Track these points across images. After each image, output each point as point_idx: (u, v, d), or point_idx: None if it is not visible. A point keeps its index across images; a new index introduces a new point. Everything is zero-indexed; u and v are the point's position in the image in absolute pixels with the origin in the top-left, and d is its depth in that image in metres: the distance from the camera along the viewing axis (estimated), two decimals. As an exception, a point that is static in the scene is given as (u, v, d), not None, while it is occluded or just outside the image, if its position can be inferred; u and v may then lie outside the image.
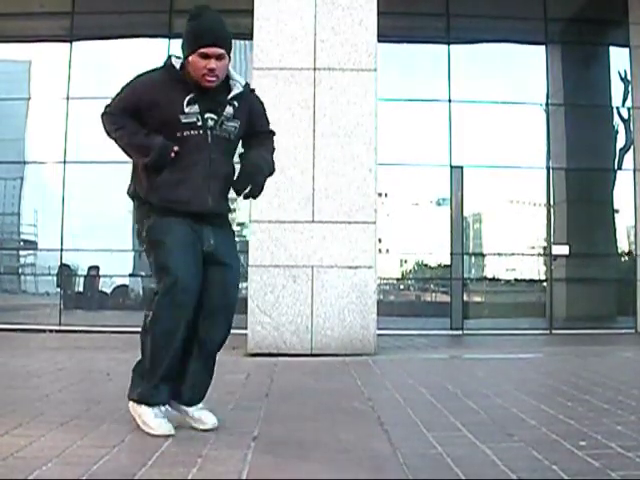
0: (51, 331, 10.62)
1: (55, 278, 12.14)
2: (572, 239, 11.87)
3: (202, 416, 3.74)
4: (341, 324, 7.50)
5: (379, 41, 8.04)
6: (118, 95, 3.84)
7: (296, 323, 7.47)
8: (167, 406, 3.76)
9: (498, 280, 12.72)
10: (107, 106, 3.87)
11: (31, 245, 13.05)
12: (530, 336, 10.68)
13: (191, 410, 3.76)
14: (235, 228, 13.64)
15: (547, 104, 11.95)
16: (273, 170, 3.90)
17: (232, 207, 3.93)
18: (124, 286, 12.87)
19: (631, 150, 11.82)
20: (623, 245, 12.58)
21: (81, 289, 12.54)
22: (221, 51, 3.66)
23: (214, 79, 3.66)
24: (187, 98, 3.66)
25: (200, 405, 3.79)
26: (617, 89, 12.31)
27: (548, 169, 11.97)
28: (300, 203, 7.58)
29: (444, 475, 2.87)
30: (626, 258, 12.55)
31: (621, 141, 12.28)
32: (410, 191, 12.16)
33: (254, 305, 7.59)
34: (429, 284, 12.73)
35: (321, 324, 7.42)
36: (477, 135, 11.56)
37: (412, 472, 2.91)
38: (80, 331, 10.44)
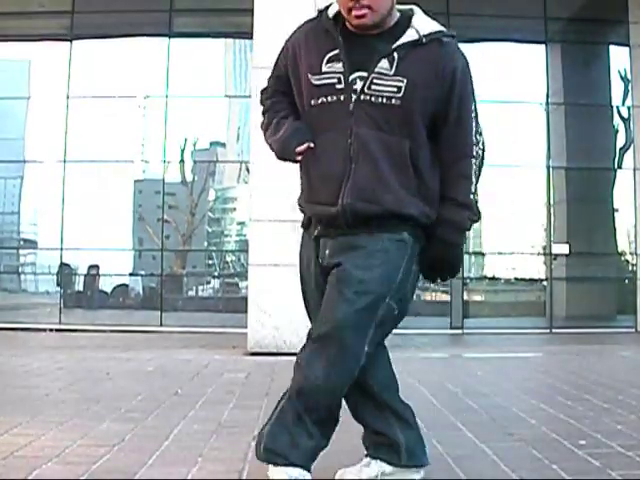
0: (51, 330, 10.62)
1: (55, 277, 12.15)
2: (572, 238, 11.87)
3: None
4: (341, 323, 7.48)
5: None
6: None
7: (296, 322, 7.44)
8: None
9: (498, 279, 12.73)
10: (268, 78, 2.90)
11: (31, 244, 13.07)
12: (530, 335, 10.68)
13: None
14: (235, 227, 13.68)
15: (547, 103, 11.95)
16: (475, 218, 2.66)
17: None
18: (124, 285, 12.89)
19: (631, 149, 11.82)
20: (623, 244, 12.59)
21: (81, 288, 12.55)
22: None
23: (364, 12, 2.53)
24: (329, 54, 2.61)
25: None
26: (617, 88, 12.31)
27: (548, 168, 11.97)
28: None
29: (444, 474, 2.87)
30: (626, 257, 12.56)
31: (621, 140, 12.29)
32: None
33: (254, 304, 7.58)
34: (429, 283, 12.72)
35: (321, 323, 7.41)
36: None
37: (412, 471, 2.91)
38: (80, 330, 10.43)
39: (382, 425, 2.82)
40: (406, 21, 2.63)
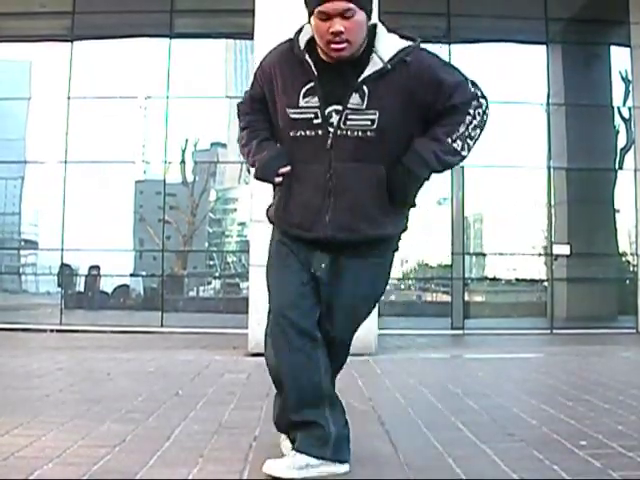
0: (52, 331, 10.62)
1: (56, 278, 12.15)
2: (573, 239, 11.87)
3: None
4: (342, 324, 7.47)
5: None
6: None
7: (297, 323, 7.44)
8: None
9: (499, 280, 12.73)
10: (245, 92, 3.01)
11: (32, 245, 13.07)
12: (531, 336, 10.67)
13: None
14: (236, 228, 13.68)
15: (548, 104, 11.95)
16: (447, 160, 2.74)
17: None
18: (125, 286, 12.89)
19: (632, 150, 11.81)
20: (624, 245, 12.58)
21: (82, 289, 12.55)
22: (345, 5, 2.55)
23: (343, 46, 2.59)
24: (305, 87, 2.69)
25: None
26: (618, 89, 12.31)
27: (549, 169, 11.96)
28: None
29: (445, 475, 2.87)
30: (627, 258, 12.55)
31: (622, 141, 12.28)
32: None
33: (255, 305, 7.57)
34: (430, 284, 12.74)
35: (322, 324, 7.38)
36: (478, 135, 11.54)
37: (413, 472, 2.91)
38: (81, 331, 10.43)
39: (316, 414, 2.85)
40: (371, 44, 2.68)
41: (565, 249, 11.62)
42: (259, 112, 2.90)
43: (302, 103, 2.69)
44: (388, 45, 2.68)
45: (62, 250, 11.77)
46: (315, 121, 2.69)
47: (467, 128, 2.72)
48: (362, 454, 3.14)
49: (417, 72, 2.67)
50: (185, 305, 12.67)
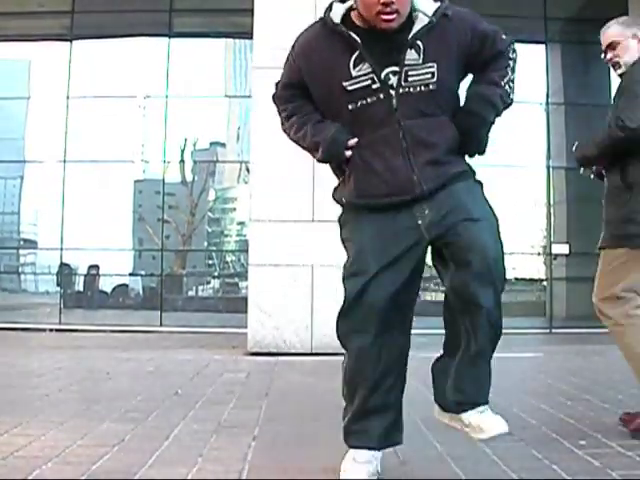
0: (51, 330, 10.62)
1: (55, 277, 12.16)
2: (572, 238, 11.88)
3: (481, 422, 2.85)
4: (341, 323, 7.47)
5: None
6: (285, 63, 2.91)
7: (296, 322, 7.46)
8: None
9: (498, 279, 12.72)
10: (277, 83, 2.95)
11: (31, 244, 13.08)
12: (530, 335, 10.67)
13: (465, 416, 2.88)
14: (235, 227, 13.69)
15: (547, 103, 11.96)
16: (506, 100, 2.79)
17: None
18: (124, 285, 12.90)
19: (631, 149, 11.81)
20: (623, 244, 12.57)
21: (81, 288, 12.57)
22: None
23: (393, 17, 2.58)
24: (353, 57, 2.65)
25: (480, 409, 2.88)
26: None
27: (548, 168, 11.98)
28: (300, 202, 7.56)
29: (445, 475, 2.87)
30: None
31: (621, 140, 12.28)
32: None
33: (254, 304, 7.57)
34: (428, 283, 12.71)
35: (321, 323, 7.40)
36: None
37: (412, 472, 2.91)
38: (80, 330, 10.42)
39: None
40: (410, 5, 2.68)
41: (564, 248, 11.63)
42: (299, 97, 2.85)
43: (355, 73, 2.65)
44: (426, 2, 2.70)
45: (61, 249, 11.77)
46: (374, 86, 2.65)
47: (512, 71, 2.80)
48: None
49: (460, 24, 2.72)
50: (184, 304, 12.68)
